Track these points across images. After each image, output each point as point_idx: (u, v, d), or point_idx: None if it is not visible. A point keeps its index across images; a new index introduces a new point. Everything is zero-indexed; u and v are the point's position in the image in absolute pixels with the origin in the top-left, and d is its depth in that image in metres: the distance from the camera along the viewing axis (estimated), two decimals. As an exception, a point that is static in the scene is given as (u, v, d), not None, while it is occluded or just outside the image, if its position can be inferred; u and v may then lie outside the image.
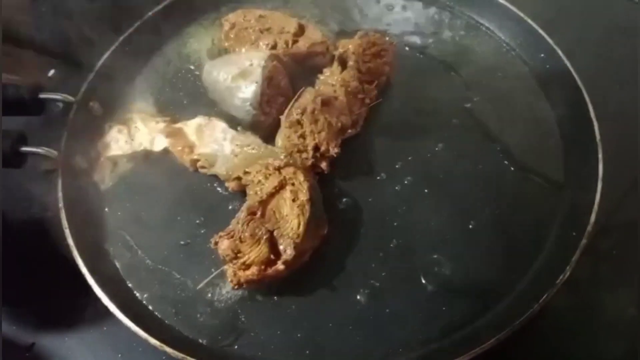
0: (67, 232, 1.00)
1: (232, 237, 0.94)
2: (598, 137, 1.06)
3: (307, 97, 1.09)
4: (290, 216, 0.95)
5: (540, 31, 1.20)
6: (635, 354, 0.99)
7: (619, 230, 1.09)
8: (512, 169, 1.10)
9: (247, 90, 1.08)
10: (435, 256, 1.02)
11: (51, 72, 1.40)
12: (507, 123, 1.16)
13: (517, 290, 0.98)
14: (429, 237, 1.04)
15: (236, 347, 0.95)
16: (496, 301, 0.97)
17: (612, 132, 1.08)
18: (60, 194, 1.04)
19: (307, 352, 0.94)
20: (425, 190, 1.08)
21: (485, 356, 0.88)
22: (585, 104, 1.09)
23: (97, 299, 0.94)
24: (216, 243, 0.95)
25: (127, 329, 0.91)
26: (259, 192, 0.97)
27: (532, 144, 1.13)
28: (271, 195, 0.97)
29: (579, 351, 1.01)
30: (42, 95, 1.13)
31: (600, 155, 1.03)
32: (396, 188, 1.08)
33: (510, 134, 1.14)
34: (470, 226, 1.05)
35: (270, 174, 0.99)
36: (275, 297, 0.98)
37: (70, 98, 1.15)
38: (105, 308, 0.93)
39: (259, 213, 0.95)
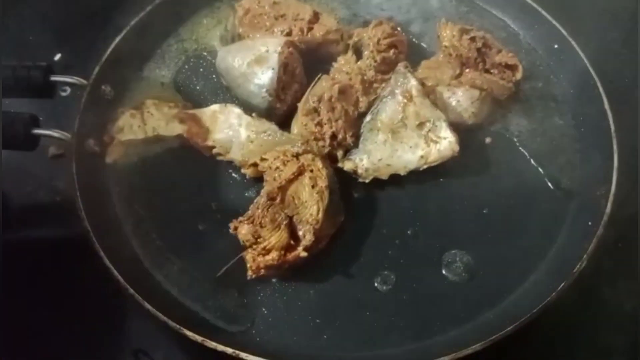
0: (83, 214, 0.99)
1: (252, 222, 0.94)
2: (613, 127, 1.07)
3: (324, 85, 1.09)
4: (310, 202, 0.95)
5: (554, 22, 1.20)
6: (637, 347, 1.01)
7: (624, 223, 1.10)
8: (529, 158, 1.11)
9: (264, 77, 1.08)
10: (450, 243, 1.03)
11: (57, 57, 1.39)
12: (521, 112, 1.16)
13: (533, 279, 1.00)
14: (444, 225, 1.05)
15: (254, 331, 0.95)
16: (512, 290, 0.98)
17: (625, 123, 1.09)
18: (75, 177, 1.03)
19: (325, 336, 0.95)
20: (440, 179, 1.09)
21: (494, 347, 0.89)
22: (599, 96, 1.10)
23: (117, 282, 0.93)
24: (236, 228, 0.95)
25: (147, 311, 0.90)
26: (277, 178, 0.97)
27: (547, 133, 1.15)
28: (290, 181, 0.97)
29: (582, 343, 1.03)
30: (54, 78, 1.12)
31: (615, 146, 1.04)
32: (411, 177, 1.07)
33: (526, 123, 1.15)
34: (485, 211, 1.06)
35: (288, 161, 0.99)
36: (292, 283, 0.99)
37: (83, 81, 1.13)
38: (125, 291, 0.92)
39: (278, 198, 0.95)
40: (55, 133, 1.07)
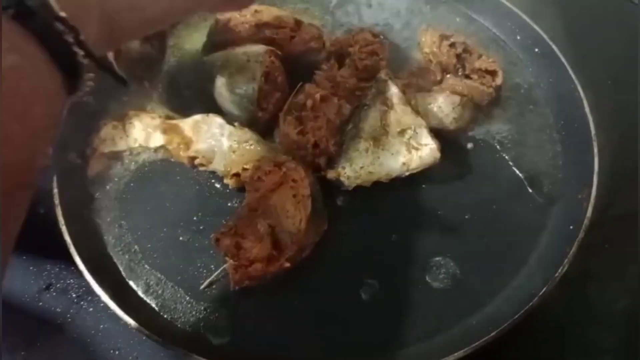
0: (64, 229, 0.99)
1: (233, 233, 0.93)
2: (593, 131, 1.08)
3: (306, 93, 1.08)
4: (292, 212, 0.95)
5: (536, 27, 1.21)
6: (627, 347, 1.01)
7: (611, 224, 1.11)
8: (510, 163, 1.12)
9: (245, 86, 1.08)
10: (433, 249, 1.03)
11: None
12: (502, 117, 1.17)
13: (515, 284, 1.00)
14: (427, 231, 1.05)
15: (238, 343, 0.95)
16: (495, 295, 0.99)
17: (605, 126, 1.10)
18: (55, 191, 1.02)
19: (309, 346, 0.95)
20: (423, 186, 1.09)
21: (481, 351, 0.89)
22: (581, 100, 1.11)
23: (95, 296, 0.93)
24: (217, 240, 0.94)
25: (127, 326, 0.90)
26: (258, 188, 0.97)
27: (529, 138, 1.15)
28: (271, 191, 0.97)
29: (572, 345, 1.03)
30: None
31: (595, 150, 1.05)
32: (393, 184, 1.07)
33: (507, 128, 1.16)
34: (467, 217, 1.06)
35: (269, 170, 0.99)
36: (275, 294, 0.98)
37: (63, 93, 1.13)
38: (105, 305, 0.92)
39: (260, 209, 0.95)
40: (35, 147, 1.07)
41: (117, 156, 1.13)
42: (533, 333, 1.01)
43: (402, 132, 1.05)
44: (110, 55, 1.02)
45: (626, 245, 1.08)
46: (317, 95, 1.06)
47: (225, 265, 0.95)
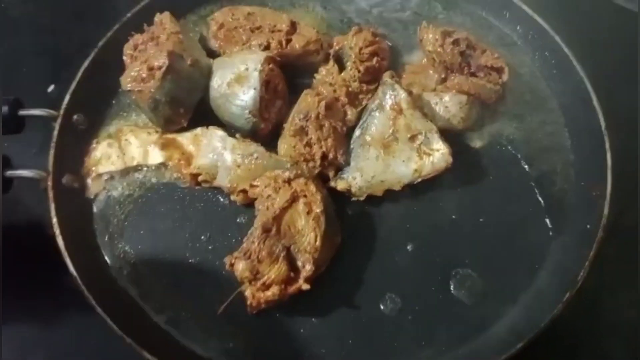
0: (68, 261, 0.95)
1: (248, 257, 0.90)
2: (603, 124, 1.05)
3: (309, 101, 1.04)
4: (306, 230, 0.92)
5: (541, 21, 1.17)
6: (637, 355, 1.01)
7: (623, 235, 1.09)
8: (522, 161, 1.09)
9: (245, 97, 1.03)
10: (450, 256, 1.01)
11: (50, 88, 1.31)
12: (511, 115, 1.14)
13: (535, 289, 0.98)
14: (443, 237, 1.03)
15: (257, 365, 0.93)
16: (515, 302, 0.98)
17: (614, 122, 1.07)
18: (54, 220, 0.98)
19: (330, 364, 0.93)
20: (435, 190, 1.06)
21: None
22: (588, 93, 1.08)
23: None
24: (232, 264, 0.91)
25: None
26: (270, 207, 0.93)
27: (538, 134, 1.13)
28: (284, 209, 0.93)
29: (584, 355, 1.04)
30: (22, 112, 1.06)
31: (607, 144, 1.03)
32: (405, 190, 1.04)
33: (516, 125, 1.13)
34: (482, 219, 1.04)
35: (280, 187, 0.95)
36: (294, 313, 0.96)
37: (53, 112, 1.07)
38: (122, 339, 0.88)
39: (273, 229, 0.92)
40: (30, 173, 1.02)
41: (115, 176, 1.08)
42: (546, 344, 0.97)
43: (412, 138, 1.02)
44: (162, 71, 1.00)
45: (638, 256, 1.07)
46: (322, 104, 1.02)
47: (240, 288, 0.92)
